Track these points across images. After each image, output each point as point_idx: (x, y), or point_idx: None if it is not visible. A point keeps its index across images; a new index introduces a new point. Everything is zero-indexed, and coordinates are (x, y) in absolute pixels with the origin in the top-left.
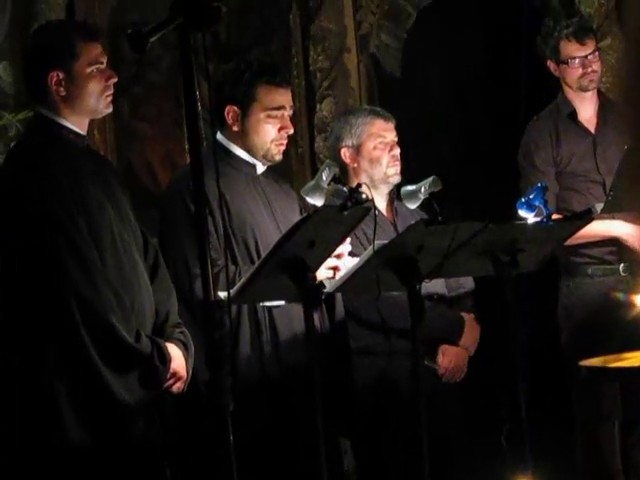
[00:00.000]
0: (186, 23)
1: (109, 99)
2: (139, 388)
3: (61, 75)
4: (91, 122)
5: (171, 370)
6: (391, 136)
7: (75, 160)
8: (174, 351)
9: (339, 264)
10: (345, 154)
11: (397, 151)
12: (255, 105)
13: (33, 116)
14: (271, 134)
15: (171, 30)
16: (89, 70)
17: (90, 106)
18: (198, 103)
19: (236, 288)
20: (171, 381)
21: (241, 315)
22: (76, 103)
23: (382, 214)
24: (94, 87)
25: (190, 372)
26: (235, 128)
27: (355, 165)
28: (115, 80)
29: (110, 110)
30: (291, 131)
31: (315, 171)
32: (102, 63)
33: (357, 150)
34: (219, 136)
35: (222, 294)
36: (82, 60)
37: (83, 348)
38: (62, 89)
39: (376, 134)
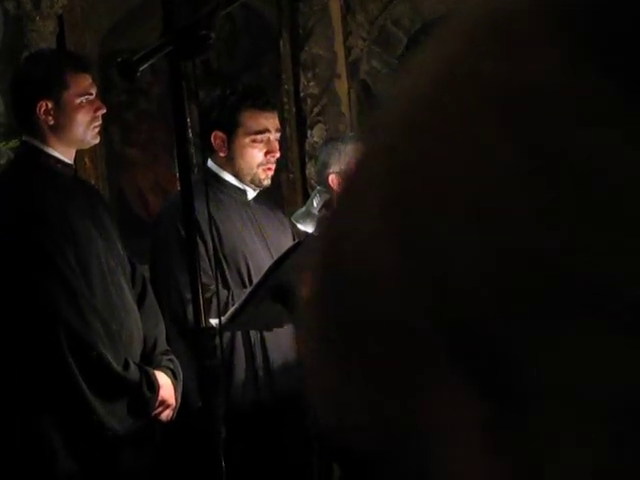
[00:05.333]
0: (176, 51)
1: (97, 130)
2: (128, 417)
3: (50, 104)
4: (81, 149)
5: (160, 398)
6: None
7: (62, 190)
8: (163, 379)
9: None
10: (333, 180)
11: None
12: (240, 130)
13: (20, 145)
14: (257, 158)
15: (161, 58)
16: (78, 101)
17: (78, 136)
18: (189, 130)
19: (227, 315)
20: (160, 409)
21: (235, 340)
22: (64, 133)
23: None
24: (82, 117)
25: (179, 399)
26: (222, 154)
27: None
28: (104, 111)
29: (97, 141)
30: (277, 155)
31: (306, 197)
32: (92, 94)
33: None
34: (209, 162)
35: (214, 321)
36: (72, 90)
37: (71, 377)
38: (50, 118)
39: None
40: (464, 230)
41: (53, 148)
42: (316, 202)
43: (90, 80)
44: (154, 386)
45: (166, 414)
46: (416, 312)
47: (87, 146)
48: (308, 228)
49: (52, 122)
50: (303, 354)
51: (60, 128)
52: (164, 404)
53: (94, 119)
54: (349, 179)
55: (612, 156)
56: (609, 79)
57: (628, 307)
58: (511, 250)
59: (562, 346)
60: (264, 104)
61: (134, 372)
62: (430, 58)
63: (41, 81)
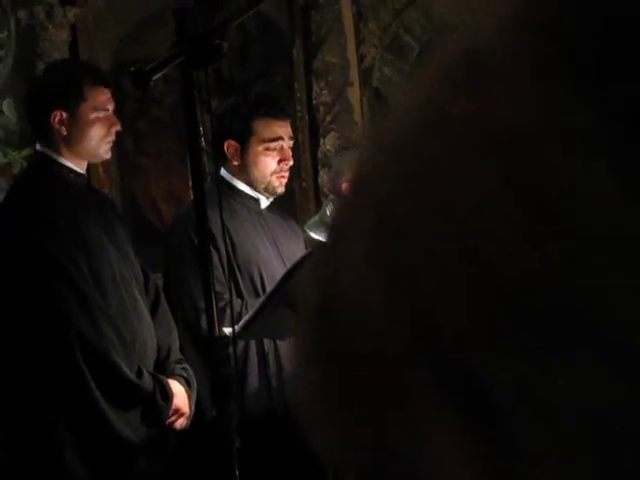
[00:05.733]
0: (189, 61)
1: (109, 145)
2: (141, 425)
3: (65, 115)
4: None
5: (173, 406)
6: None
7: (74, 199)
8: (176, 387)
9: None
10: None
11: None
12: (253, 138)
13: (33, 154)
14: (271, 167)
15: (174, 67)
16: (94, 115)
17: (89, 150)
18: (201, 139)
19: (240, 324)
20: (174, 418)
21: (249, 348)
22: (76, 145)
23: None
24: (96, 132)
25: (193, 408)
26: (235, 162)
27: None
28: (118, 128)
29: (109, 156)
30: (291, 162)
31: (319, 205)
32: (108, 110)
33: None
34: (222, 171)
35: (227, 330)
36: (88, 103)
37: (84, 385)
38: (64, 129)
39: None
40: (446, 268)
41: (65, 158)
42: (329, 211)
43: (108, 95)
44: (167, 394)
45: (180, 422)
46: (401, 346)
47: (98, 160)
48: (321, 236)
49: (65, 133)
50: (296, 378)
51: (73, 139)
52: (178, 412)
53: (108, 134)
54: (338, 221)
55: (594, 187)
56: (593, 111)
57: (614, 341)
58: (492, 285)
59: (546, 376)
60: (277, 112)
61: (147, 381)
62: (413, 96)
63: (58, 91)
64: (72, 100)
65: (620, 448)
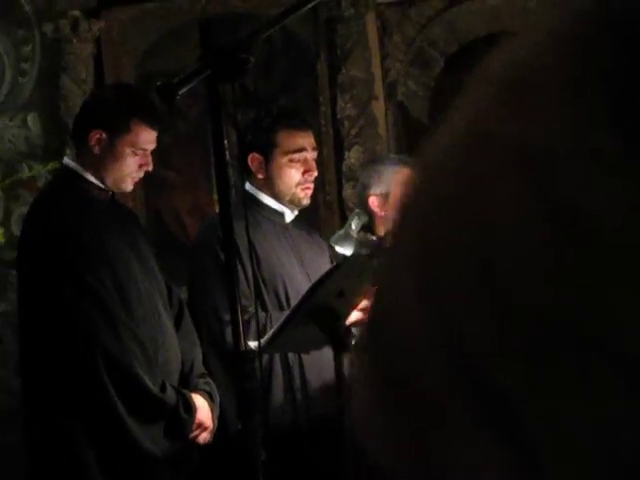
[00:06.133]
0: (215, 75)
1: (134, 181)
2: (164, 439)
3: (104, 137)
4: None
5: (197, 421)
6: None
7: (99, 215)
8: (199, 401)
9: (365, 317)
10: (373, 202)
11: None
12: (276, 150)
13: (60, 167)
14: (295, 178)
15: (200, 81)
16: (130, 149)
17: (114, 178)
18: (227, 152)
19: (266, 338)
20: (197, 432)
21: (273, 362)
22: (102, 168)
23: None
24: (126, 166)
25: (216, 422)
26: (260, 176)
27: (383, 213)
28: (149, 169)
29: (129, 190)
30: (315, 174)
31: (343, 219)
32: (146, 150)
33: (385, 198)
34: (247, 185)
35: (252, 344)
36: (129, 137)
37: (108, 399)
38: (98, 149)
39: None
40: (479, 292)
41: (92, 175)
42: (355, 224)
43: (152, 137)
44: (191, 408)
45: (203, 437)
46: (438, 369)
47: (118, 190)
48: (347, 251)
49: (98, 153)
50: (353, 396)
51: (102, 162)
52: (201, 427)
53: (136, 171)
54: (388, 250)
55: (624, 212)
56: (623, 131)
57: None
58: (524, 307)
59: (570, 399)
60: (299, 123)
61: (171, 395)
62: (455, 120)
63: (107, 113)
64: (116, 127)
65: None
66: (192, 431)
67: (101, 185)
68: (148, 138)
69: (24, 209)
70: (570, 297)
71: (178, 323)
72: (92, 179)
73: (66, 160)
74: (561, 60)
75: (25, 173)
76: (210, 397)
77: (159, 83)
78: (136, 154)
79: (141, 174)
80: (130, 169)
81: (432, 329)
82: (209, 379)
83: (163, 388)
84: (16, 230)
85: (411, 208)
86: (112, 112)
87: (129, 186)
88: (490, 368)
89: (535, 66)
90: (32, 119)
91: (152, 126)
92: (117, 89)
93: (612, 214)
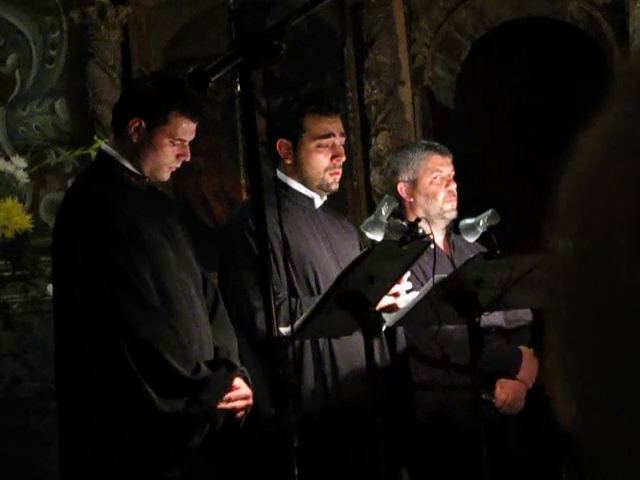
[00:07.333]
0: (247, 61)
1: (170, 171)
2: (190, 404)
3: (143, 125)
4: None
5: (244, 393)
6: (448, 170)
7: (134, 202)
8: (238, 381)
9: (397, 302)
10: (402, 189)
11: (454, 186)
12: (304, 136)
13: (98, 152)
14: (324, 163)
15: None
16: (167, 140)
17: (150, 167)
18: (258, 140)
19: (297, 324)
20: (242, 402)
21: (304, 346)
22: (139, 157)
23: (439, 248)
24: (163, 156)
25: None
26: (288, 161)
27: (412, 200)
28: (186, 160)
29: (166, 179)
30: (343, 159)
31: (370, 204)
32: (184, 140)
33: (413, 185)
34: (276, 171)
35: (284, 330)
36: (167, 128)
37: (138, 386)
38: (137, 137)
39: (432, 169)
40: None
41: (128, 162)
42: (385, 210)
43: (191, 129)
44: (227, 375)
45: (242, 412)
46: None
47: (155, 180)
48: (377, 236)
49: (136, 141)
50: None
51: (139, 150)
52: (247, 398)
53: (174, 161)
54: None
55: None
56: None
57: None
58: None
59: None
60: (327, 108)
61: (205, 370)
62: (600, 127)
63: (148, 102)
64: (155, 118)
65: None
66: (229, 391)
67: (138, 172)
68: (187, 130)
69: (52, 196)
70: None
71: (213, 312)
72: (129, 166)
73: (104, 146)
74: None
75: (53, 159)
76: (246, 381)
77: (191, 70)
78: (174, 144)
79: (178, 164)
80: (167, 159)
81: None
82: (244, 368)
83: (197, 368)
84: (44, 217)
85: (569, 209)
86: (152, 102)
87: (166, 175)
88: None
89: None
90: (59, 105)
91: (191, 118)
92: (158, 78)
93: None
